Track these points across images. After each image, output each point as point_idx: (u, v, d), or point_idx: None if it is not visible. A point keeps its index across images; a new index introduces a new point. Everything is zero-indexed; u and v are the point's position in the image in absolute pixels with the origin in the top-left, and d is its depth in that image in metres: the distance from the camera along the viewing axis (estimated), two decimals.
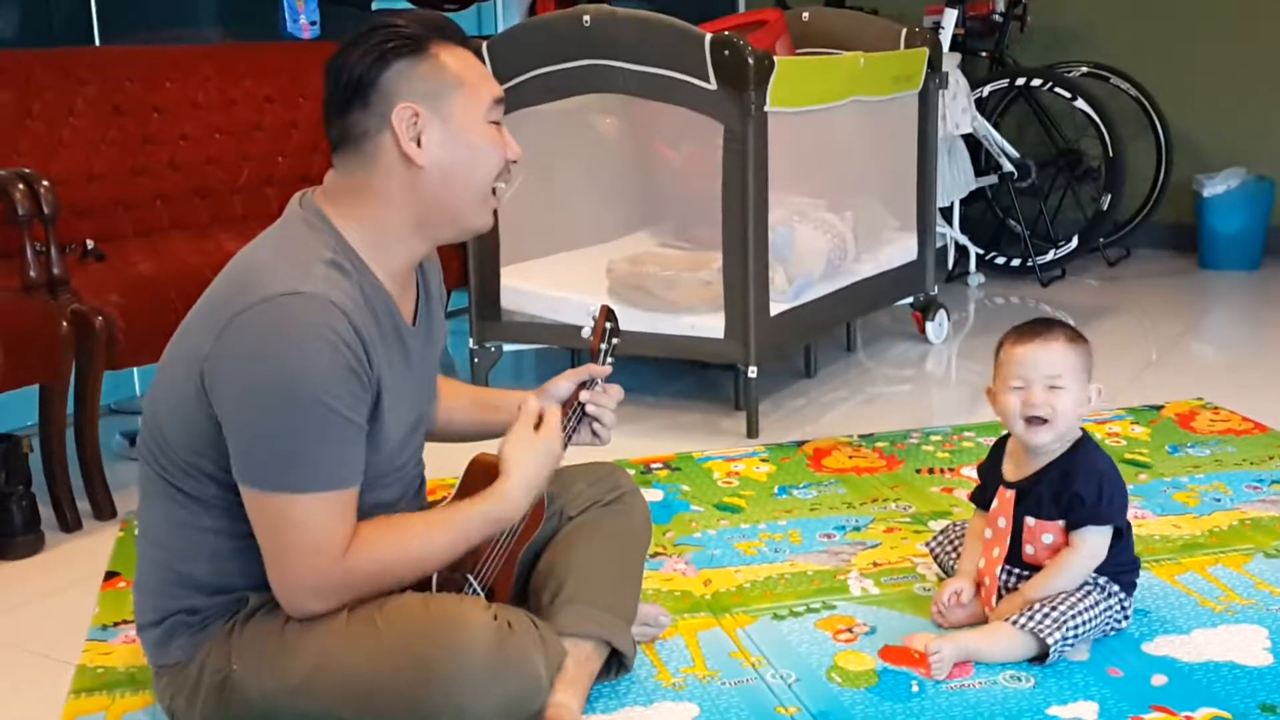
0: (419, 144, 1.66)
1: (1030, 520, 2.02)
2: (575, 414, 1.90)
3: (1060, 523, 2.00)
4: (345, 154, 1.69)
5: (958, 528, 2.25)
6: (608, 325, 1.99)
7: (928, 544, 2.31)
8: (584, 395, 1.90)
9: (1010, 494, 2.05)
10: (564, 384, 1.93)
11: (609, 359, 1.97)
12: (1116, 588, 2.02)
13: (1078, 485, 1.98)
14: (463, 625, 1.59)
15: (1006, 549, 2.04)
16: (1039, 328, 2.05)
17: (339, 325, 1.58)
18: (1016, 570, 2.04)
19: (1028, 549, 2.03)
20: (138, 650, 2.07)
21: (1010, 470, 2.08)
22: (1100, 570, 2.01)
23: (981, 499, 2.13)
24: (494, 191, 1.74)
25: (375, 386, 1.65)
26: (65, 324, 2.62)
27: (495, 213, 1.78)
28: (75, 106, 3.19)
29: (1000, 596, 2.05)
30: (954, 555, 2.20)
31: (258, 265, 1.64)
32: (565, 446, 1.89)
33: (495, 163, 1.72)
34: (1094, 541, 1.98)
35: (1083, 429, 2.06)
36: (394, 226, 1.69)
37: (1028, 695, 1.88)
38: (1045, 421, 2.00)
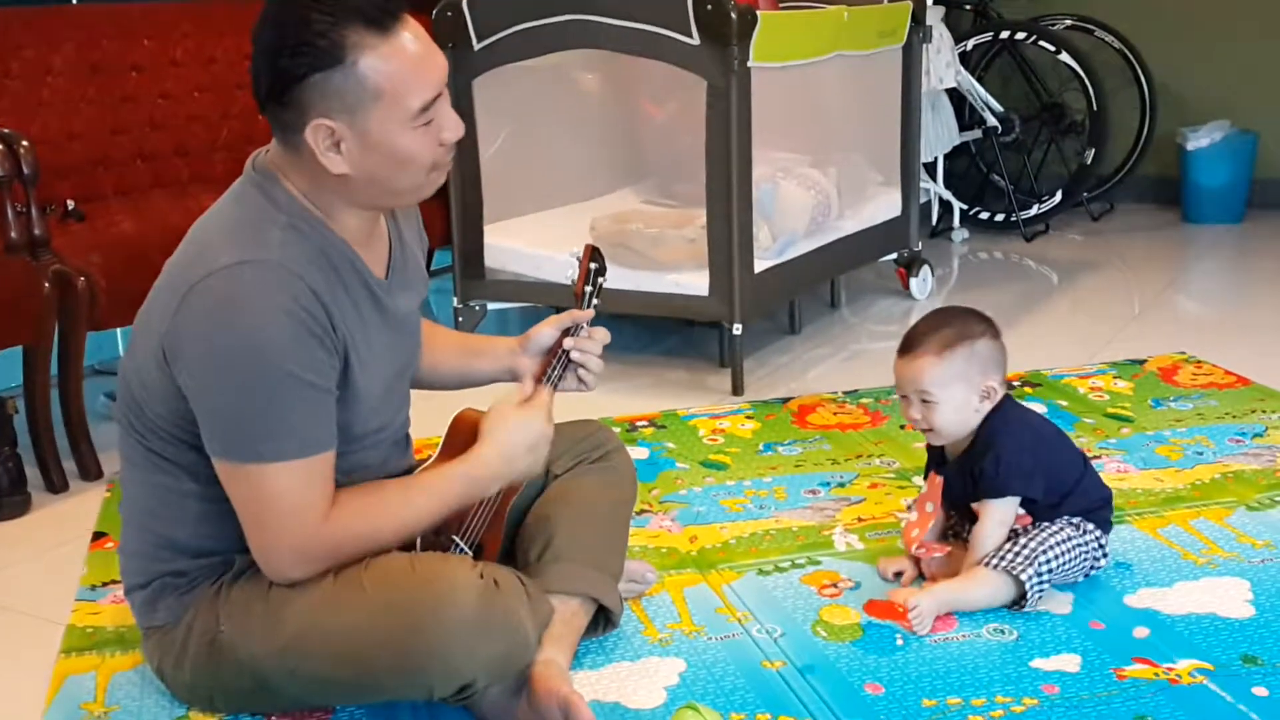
0: (339, 150, 1.59)
1: (973, 504, 2.05)
2: (560, 362, 1.89)
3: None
4: (275, 134, 1.65)
5: None
6: (592, 266, 1.95)
7: (909, 505, 2.32)
8: (568, 342, 1.89)
9: (940, 480, 2.08)
10: (547, 331, 1.91)
11: (594, 301, 1.95)
12: (1091, 525, 2.04)
13: (980, 461, 2.01)
14: (449, 584, 1.60)
15: (938, 533, 2.09)
16: (913, 338, 2.05)
17: (296, 290, 1.57)
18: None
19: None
20: (127, 610, 2.07)
21: (948, 449, 2.11)
22: (1071, 511, 2.03)
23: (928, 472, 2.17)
24: (434, 169, 1.67)
25: (343, 348, 1.64)
26: (47, 285, 2.60)
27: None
28: (53, 65, 3.16)
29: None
30: None
31: (212, 235, 1.63)
32: (552, 395, 1.88)
33: (425, 160, 1.63)
34: (997, 512, 2.01)
35: (1007, 395, 2.06)
36: (335, 199, 1.66)
37: (1011, 648, 1.90)
38: (930, 429, 2.04)
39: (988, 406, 2.03)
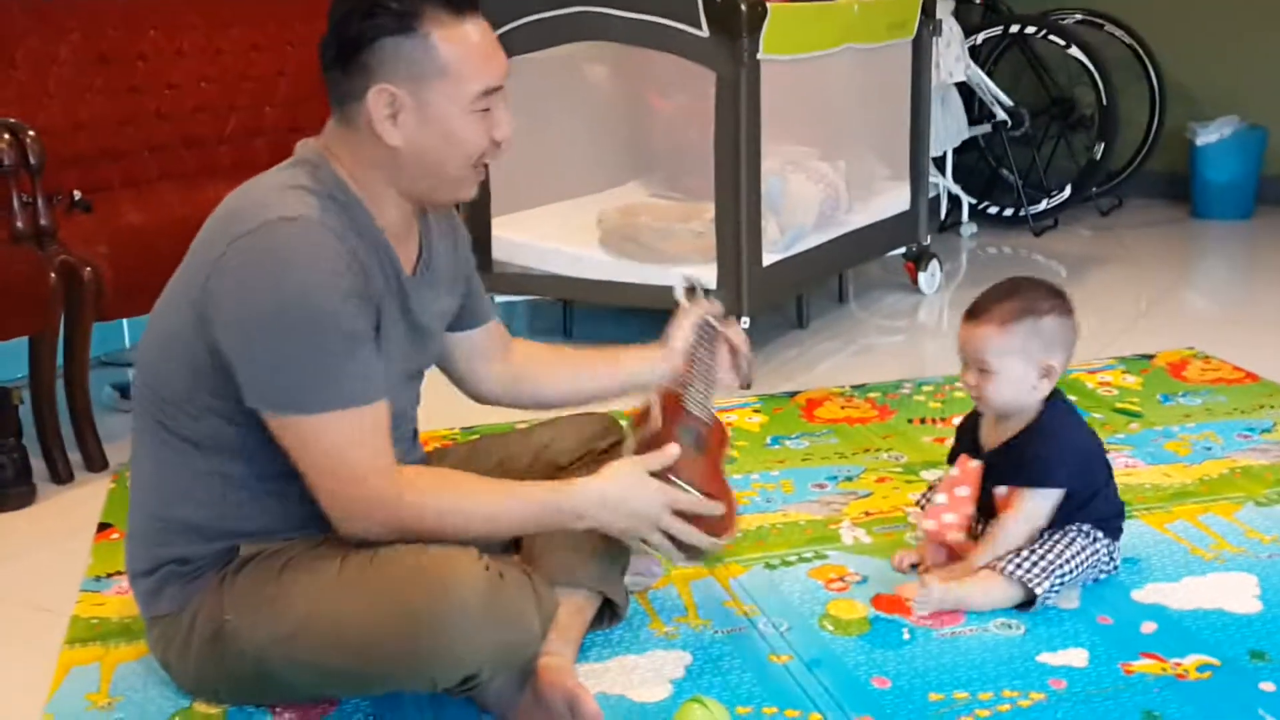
0: (395, 122, 1.63)
1: (1000, 489, 2.02)
2: (701, 366, 1.93)
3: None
4: (334, 106, 1.68)
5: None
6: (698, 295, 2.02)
7: (919, 499, 2.31)
8: (725, 329, 1.97)
9: (975, 464, 2.04)
10: (683, 334, 1.98)
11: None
12: (1101, 534, 2.03)
13: (1034, 447, 1.99)
14: (454, 574, 1.59)
15: (968, 518, 2.04)
16: (980, 305, 2.02)
17: (337, 249, 1.58)
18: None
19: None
20: (131, 601, 2.07)
21: (987, 435, 2.08)
22: (1084, 519, 2.01)
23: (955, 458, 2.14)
24: (480, 165, 1.71)
25: (376, 314, 1.65)
26: (53, 275, 2.60)
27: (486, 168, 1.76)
28: (59, 55, 3.15)
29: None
30: None
31: (252, 197, 1.64)
32: (710, 391, 1.93)
33: (474, 149, 1.67)
34: (1032, 504, 1.98)
35: (1056, 390, 2.04)
36: (376, 184, 1.68)
37: (1018, 642, 1.89)
38: (980, 399, 2.02)
39: (1046, 386, 2.00)
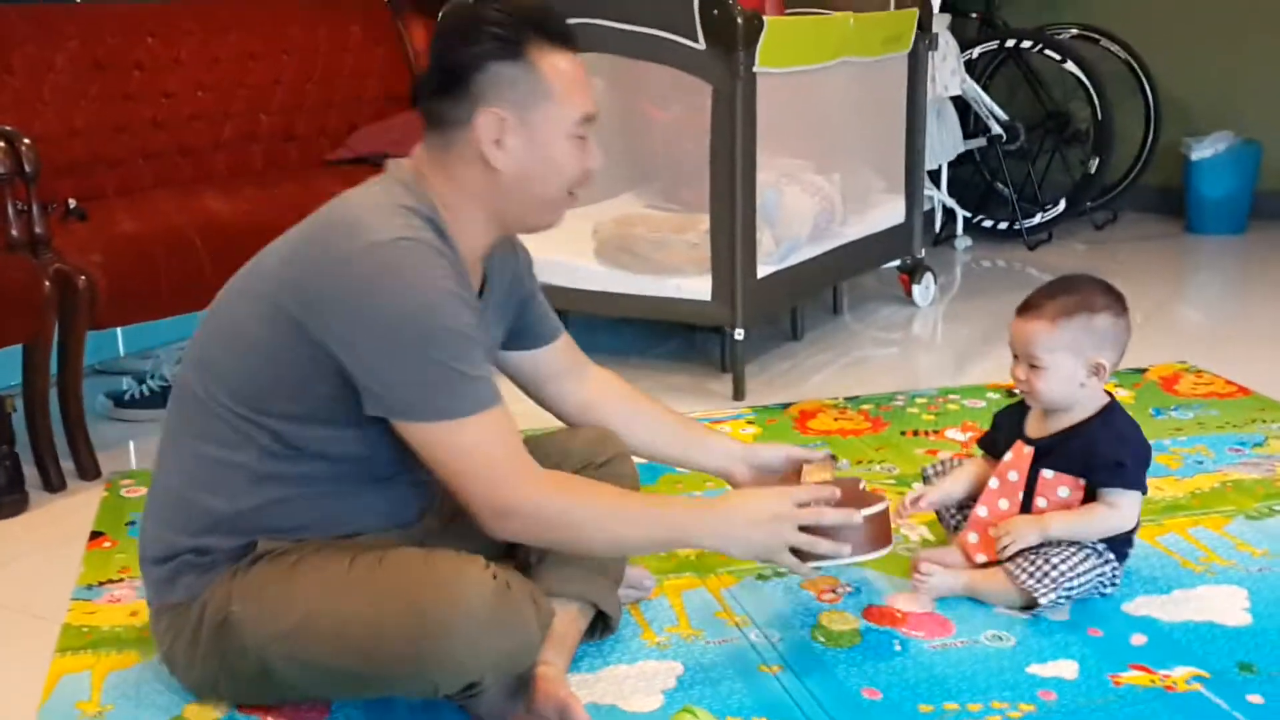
0: (500, 145, 1.67)
1: (1047, 473, 2.02)
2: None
3: (1080, 479, 2.01)
4: (432, 133, 1.72)
5: (959, 461, 2.25)
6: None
7: (924, 470, 2.30)
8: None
9: (1029, 451, 2.04)
10: (779, 454, 2.00)
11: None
12: (1112, 555, 2.03)
13: (1108, 449, 1.99)
14: (462, 580, 1.60)
15: (1019, 504, 2.04)
16: (1035, 299, 2.04)
17: (445, 266, 1.63)
18: None
19: (1039, 502, 2.03)
20: (123, 610, 2.08)
21: (1034, 427, 2.08)
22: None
23: (992, 447, 2.14)
24: (570, 193, 1.76)
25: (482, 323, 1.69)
26: (48, 284, 2.60)
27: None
28: (56, 63, 3.16)
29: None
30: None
31: (356, 212, 1.66)
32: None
33: (571, 174, 1.74)
34: (1128, 504, 1.99)
35: (1109, 394, 2.06)
36: (467, 210, 1.72)
37: (1008, 654, 1.90)
38: (1029, 393, 2.03)
39: (1096, 383, 2.01)
